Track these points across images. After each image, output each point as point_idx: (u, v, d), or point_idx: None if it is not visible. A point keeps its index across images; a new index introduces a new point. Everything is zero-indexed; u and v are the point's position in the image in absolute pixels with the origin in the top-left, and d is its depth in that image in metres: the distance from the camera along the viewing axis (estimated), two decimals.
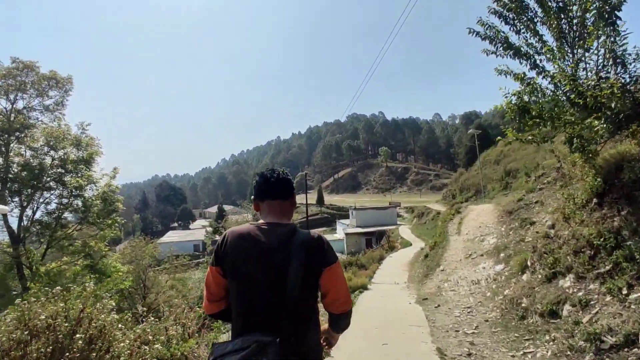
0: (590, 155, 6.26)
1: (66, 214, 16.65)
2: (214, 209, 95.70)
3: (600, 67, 6.48)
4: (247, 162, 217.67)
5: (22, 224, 15.40)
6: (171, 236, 75.47)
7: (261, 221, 1.84)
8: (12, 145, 15.27)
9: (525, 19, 7.18)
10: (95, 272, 16.34)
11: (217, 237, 67.46)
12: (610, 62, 6.23)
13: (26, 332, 3.70)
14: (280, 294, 1.62)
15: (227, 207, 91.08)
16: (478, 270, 9.91)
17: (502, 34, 7.23)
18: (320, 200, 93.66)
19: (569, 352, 4.55)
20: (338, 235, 58.01)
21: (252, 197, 1.97)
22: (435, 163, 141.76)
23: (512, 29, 7.34)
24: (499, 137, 9.42)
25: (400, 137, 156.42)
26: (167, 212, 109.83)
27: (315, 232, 1.87)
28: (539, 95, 6.85)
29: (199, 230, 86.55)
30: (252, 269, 1.68)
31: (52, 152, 15.62)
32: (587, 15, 6.42)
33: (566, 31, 6.82)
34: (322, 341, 1.92)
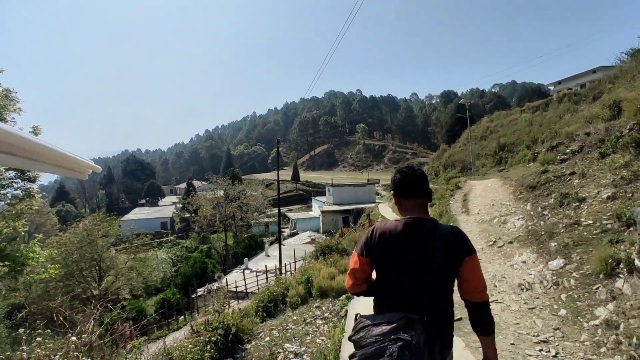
0: None
1: None
2: (185, 185, 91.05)
3: None
4: (221, 138, 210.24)
5: None
6: (137, 213, 70.77)
7: (407, 217, 1.98)
8: None
9: None
10: (3, 259, 12.56)
11: (187, 215, 63.54)
12: None
13: None
14: (426, 280, 1.85)
15: (198, 183, 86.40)
16: (517, 266, 7.00)
17: None
18: (295, 177, 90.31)
19: None
20: (314, 213, 55.25)
21: (392, 192, 2.14)
22: (412, 142, 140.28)
23: None
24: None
25: (378, 114, 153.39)
26: (134, 187, 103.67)
27: (454, 226, 2.07)
28: None
29: (168, 207, 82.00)
30: (402, 258, 1.91)
31: None
32: None
33: None
34: None
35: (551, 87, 53.38)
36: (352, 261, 2.09)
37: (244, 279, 20.16)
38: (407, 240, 1.90)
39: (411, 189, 2.03)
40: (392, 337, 1.62)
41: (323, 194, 61.66)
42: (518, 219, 9.47)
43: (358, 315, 1.90)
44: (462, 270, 1.88)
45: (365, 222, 27.72)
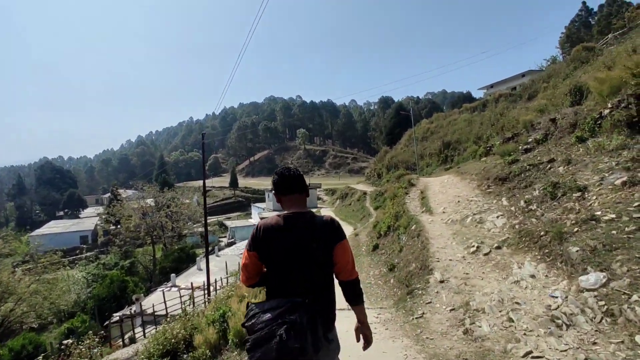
0: None
1: None
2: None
3: None
4: (155, 144, 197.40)
5: None
6: (52, 227, 62.54)
7: (285, 211, 2.16)
8: None
9: None
10: None
11: (112, 227, 56.66)
12: None
13: None
14: (307, 267, 2.04)
15: (128, 192, 78.44)
16: (524, 283, 4.93)
17: None
18: (234, 183, 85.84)
19: None
20: (253, 220, 51.95)
21: (273, 191, 2.30)
22: (352, 147, 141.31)
23: None
24: None
25: (319, 120, 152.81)
26: (51, 198, 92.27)
27: (328, 216, 2.19)
28: None
29: (91, 219, 73.73)
30: (285, 249, 2.05)
31: None
32: None
33: None
34: (358, 339, 2.26)
35: (484, 91, 55.25)
36: (244, 257, 2.22)
37: (164, 300, 16.70)
38: (288, 232, 2.05)
39: (288, 186, 2.20)
40: (279, 320, 1.76)
41: (263, 200, 58.62)
42: (497, 217, 7.56)
43: (249, 304, 2.03)
44: (335, 254, 2.07)
45: None
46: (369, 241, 12.53)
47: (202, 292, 18.24)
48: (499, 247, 6.29)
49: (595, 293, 3.92)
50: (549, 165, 8.51)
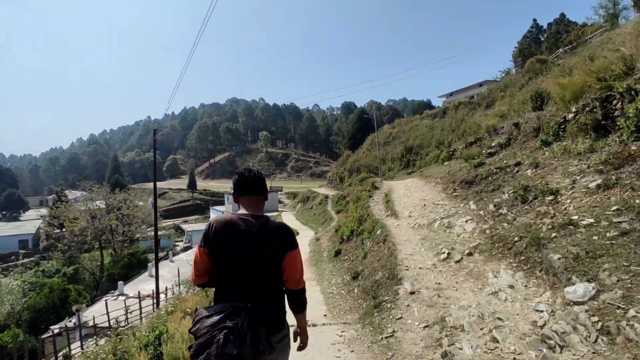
0: None
1: None
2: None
3: None
4: (109, 143, 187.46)
5: None
6: None
7: (242, 211, 2.14)
8: None
9: None
10: None
11: (57, 230, 52.36)
12: None
13: None
14: (255, 270, 2.00)
15: (77, 193, 73.17)
16: (503, 295, 4.47)
17: None
18: (192, 185, 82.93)
19: None
20: None
21: (232, 192, 2.27)
22: (315, 151, 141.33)
23: None
24: None
25: (281, 123, 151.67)
26: None
27: (282, 222, 2.21)
28: None
29: (33, 222, 68.43)
30: (235, 250, 2.00)
31: None
32: None
33: None
34: (295, 340, 2.28)
35: (444, 99, 56.70)
36: (195, 254, 2.17)
37: (107, 311, 15.22)
38: (241, 233, 2.02)
39: (247, 187, 2.18)
40: (220, 325, 1.73)
41: (223, 203, 56.85)
42: (467, 221, 7.19)
43: (197, 308, 2.01)
44: (285, 262, 2.06)
45: None
46: (331, 246, 11.93)
47: (153, 301, 16.91)
48: (470, 254, 5.86)
49: (586, 307, 3.49)
50: (517, 169, 8.29)
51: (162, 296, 17.24)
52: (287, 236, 2.09)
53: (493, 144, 12.06)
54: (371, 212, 10.37)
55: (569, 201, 5.60)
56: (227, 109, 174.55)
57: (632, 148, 5.76)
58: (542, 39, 64.74)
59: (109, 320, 14.99)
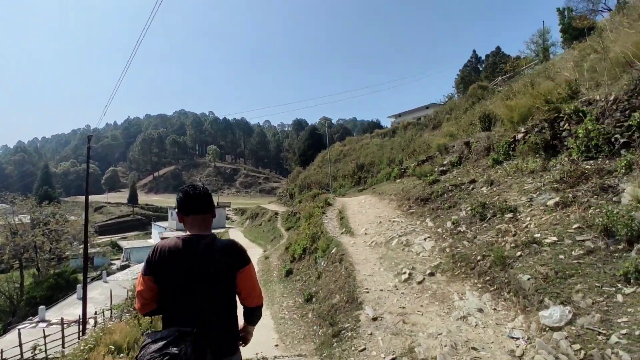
0: None
1: None
2: None
3: None
4: (40, 152, 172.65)
5: None
6: None
7: (187, 233, 2.01)
8: None
9: None
10: None
11: None
12: None
13: None
14: (203, 293, 1.89)
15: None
16: (473, 320, 4.16)
17: None
18: (133, 200, 78.12)
19: None
20: (152, 240, 47.13)
21: (176, 211, 2.15)
22: (265, 167, 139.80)
23: None
24: None
25: (231, 137, 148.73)
26: None
27: (230, 239, 2.17)
28: None
29: None
30: (181, 274, 1.90)
31: None
32: None
33: None
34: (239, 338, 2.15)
35: (392, 119, 58.53)
36: (138, 282, 2.05)
37: (20, 343, 13.22)
38: (186, 256, 1.92)
39: (192, 206, 2.06)
40: (164, 352, 1.65)
41: (166, 218, 53.84)
42: (425, 239, 6.95)
43: (144, 332, 2.25)
44: (239, 281, 1.98)
45: None
46: (281, 265, 11.30)
47: (79, 328, 15.08)
48: (432, 274, 5.57)
49: (565, 333, 3.24)
50: (472, 186, 8.28)
51: (91, 321, 15.46)
52: (237, 253, 2.00)
53: (445, 162, 12.21)
54: (325, 229, 9.92)
55: (528, 219, 5.51)
56: (174, 121, 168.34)
57: (586, 167, 5.83)
58: (481, 69, 69.54)
59: (21, 354, 13.02)
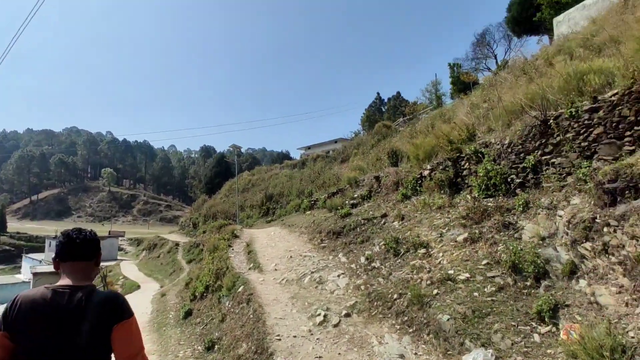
0: None
1: None
2: None
3: None
4: None
5: None
6: None
7: (59, 283, 1.75)
8: None
9: None
10: None
11: None
12: None
13: None
14: (72, 354, 1.61)
15: None
16: None
17: None
18: (0, 226, 66.39)
19: None
20: (22, 276, 39.95)
21: (53, 256, 1.87)
22: (167, 194, 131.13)
23: None
24: None
25: (131, 161, 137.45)
26: None
27: (114, 291, 1.96)
28: None
29: None
30: (47, 331, 1.62)
31: None
32: None
33: None
34: None
35: (302, 151, 59.63)
36: None
37: None
38: (53, 310, 1.64)
39: (72, 251, 1.80)
40: None
41: (42, 249, 46.40)
42: (339, 276, 6.64)
43: None
44: (113, 338, 1.68)
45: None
46: (180, 304, 10.09)
47: None
48: (348, 315, 5.22)
49: None
50: (383, 220, 8.32)
51: None
52: (115, 307, 1.73)
53: (355, 195, 12.36)
54: (231, 265, 9.10)
55: (441, 255, 5.53)
56: (63, 139, 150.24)
57: (488, 204, 6.14)
58: (384, 110, 75.53)
59: None
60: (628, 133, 4.39)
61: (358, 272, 6.57)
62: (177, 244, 30.88)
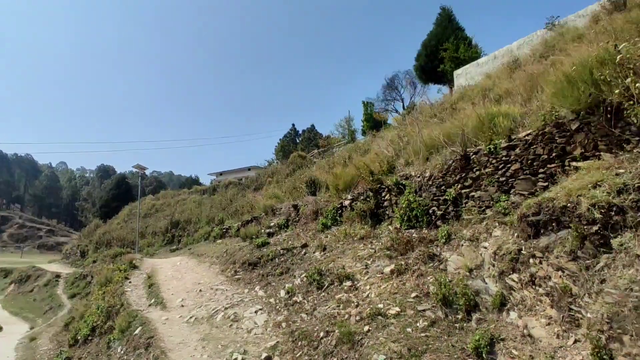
0: None
1: None
2: None
3: None
4: None
5: None
6: None
7: None
8: None
9: None
10: None
11: None
12: None
13: None
14: None
15: None
16: None
17: None
18: None
19: None
20: None
21: None
22: (52, 217, 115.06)
23: None
24: None
25: (7, 177, 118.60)
26: None
27: None
28: None
29: None
30: None
31: None
32: None
33: None
34: None
35: (213, 177, 57.37)
36: None
37: None
38: None
39: None
40: None
41: None
42: (257, 312, 6.01)
43: None
44: None
45: None
46: (55, 352, 8.35)
47: None
48: (269, 358, 4.62)
49: None
50: (304, 250, 7.94)
51: None
52: None
53: (272, 223, 11.82)
54: (127, 301, 7.81)
55: (368, 287, 5.29)
56: None
57: (414, 235, 6.14)
58: (298, 141, 77.08)
59: None
60: (542, 170, 4.71)
61: (278, 307, 6.01)
62: (57, 276, 26.80)
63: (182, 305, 7.05)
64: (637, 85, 3.46)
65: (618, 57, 3.52)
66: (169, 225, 25.33)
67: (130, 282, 9.45)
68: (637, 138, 3.74)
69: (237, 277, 8.15)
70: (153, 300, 7.60)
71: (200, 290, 7.75)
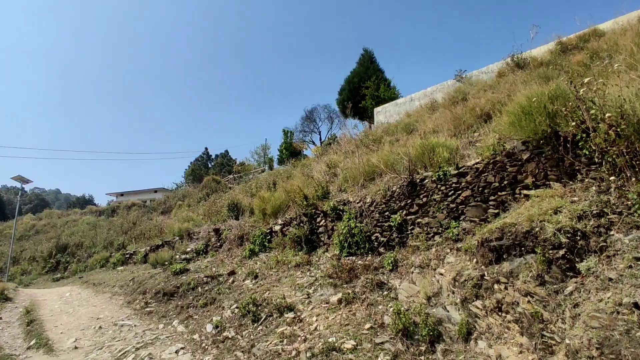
0: None
1: None
2: None
3: None
4: None
5: None
6: None
7: None
8: None
9: None
10: None
11: None
12: None
13: None
14: None
15: None
16: None
17: None
18: None
19: None
20: None
21: None
22: None
23: None
24: None
25: None
26: None
27: None
28: None
29: None
30: None
31: None
32: None
33: None
34: None
35: (113, 198, 51.84)
36: None
37: None
38: None
39: None
40: None
41: None
42: (178, 353, 5.04)
43: None
44: None
45: None
46: None
47: None
48: None
49: None
50: (232, 278, 7.12)
51: None
52: None
53: (188, 249, 10.67)
54: None
55: (314, 319, 4.77)
56: None
57: (358, 262, 5.82)
58: (210, 165, 74.16)
59: None
60: (492, 197, 4.78)
61: (205, 344, 5.13)
62: None
63: (76, 347, 5.66)
64: (592, 116, 3.66)
65: (581, 90, 3.72)
66: (53, 249, 21.64)
67: (0, 319, 7.50)
68: (587, 168, 3.95)
69: (148, 309, 6.96)
70: (34, 342, 6.02)
71: (101, 327, 6.39)
